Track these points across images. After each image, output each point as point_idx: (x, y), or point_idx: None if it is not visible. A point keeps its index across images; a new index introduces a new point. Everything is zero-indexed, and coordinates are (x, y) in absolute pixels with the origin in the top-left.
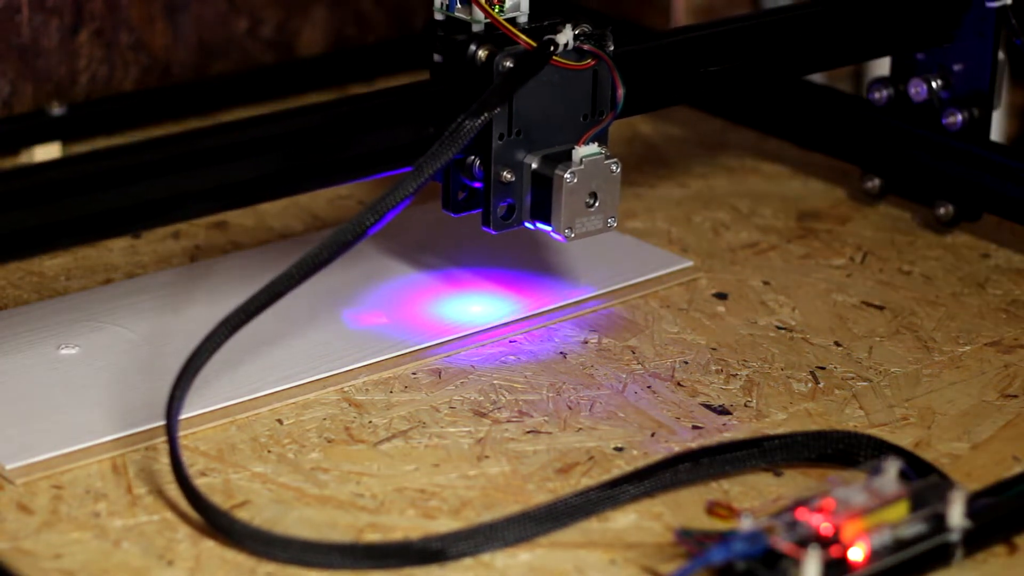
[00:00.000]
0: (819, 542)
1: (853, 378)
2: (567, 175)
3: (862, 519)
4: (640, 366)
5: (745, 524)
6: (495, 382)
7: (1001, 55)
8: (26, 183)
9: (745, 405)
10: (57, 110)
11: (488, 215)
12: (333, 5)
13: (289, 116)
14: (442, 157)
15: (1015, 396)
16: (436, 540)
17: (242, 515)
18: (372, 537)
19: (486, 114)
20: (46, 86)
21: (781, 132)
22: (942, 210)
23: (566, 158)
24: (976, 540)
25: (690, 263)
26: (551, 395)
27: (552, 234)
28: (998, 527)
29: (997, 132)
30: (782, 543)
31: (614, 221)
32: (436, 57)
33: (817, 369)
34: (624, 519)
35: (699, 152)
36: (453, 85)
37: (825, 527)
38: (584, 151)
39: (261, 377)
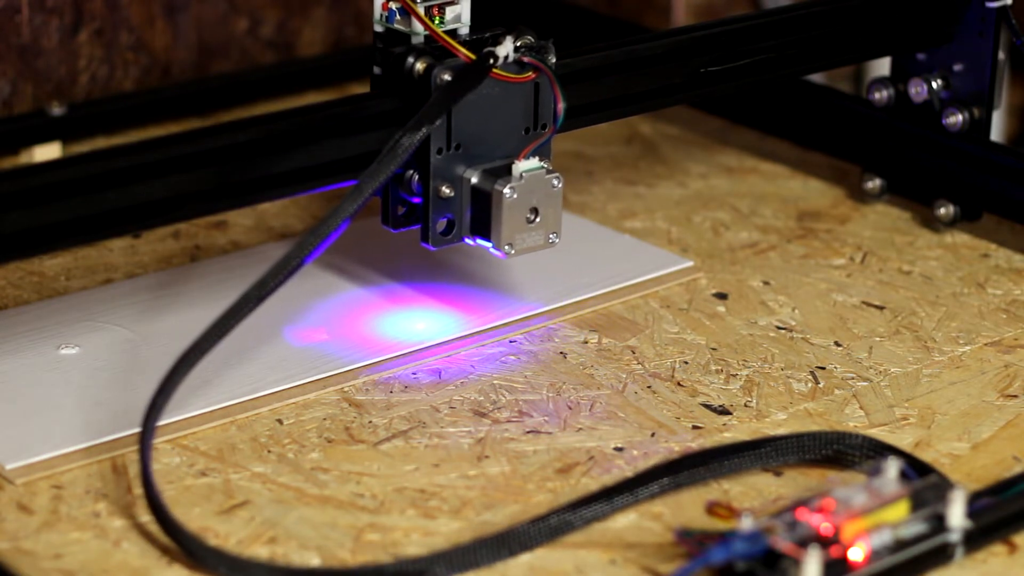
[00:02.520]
0: (819, 542)
1: (853, 378)
2: (506, 190)
3: (862, 519)
4: (640, 366)
5: (745, 524)
6: (495, 382)
7: (1001, 55)
8: (26, 183)
9: (745, 405)
10: (57, 110)
11: (427, 231)
12: (333, 5)
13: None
14: (381, 175)
15: (1015, 396)
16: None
17: (242, 515)
18: (372, 537)
19: (424, 129)
20: (46, 86)
21: (781, 132)
22: (942, 210)
23: (506, 173)
24: (976, 540)
25: (690, 263)
26: (551, 395)
27: (492, 250)
28: (998, 527)
29: (997, 132)
30: (782, 543)
31: (556, 237)
32: (376, 69)
33: (817, 369)
34: (624, 519)
35: (699, 152)
36: (393, 98)
37: (825, 527)
38: (524, 166)
39: (261, 377)
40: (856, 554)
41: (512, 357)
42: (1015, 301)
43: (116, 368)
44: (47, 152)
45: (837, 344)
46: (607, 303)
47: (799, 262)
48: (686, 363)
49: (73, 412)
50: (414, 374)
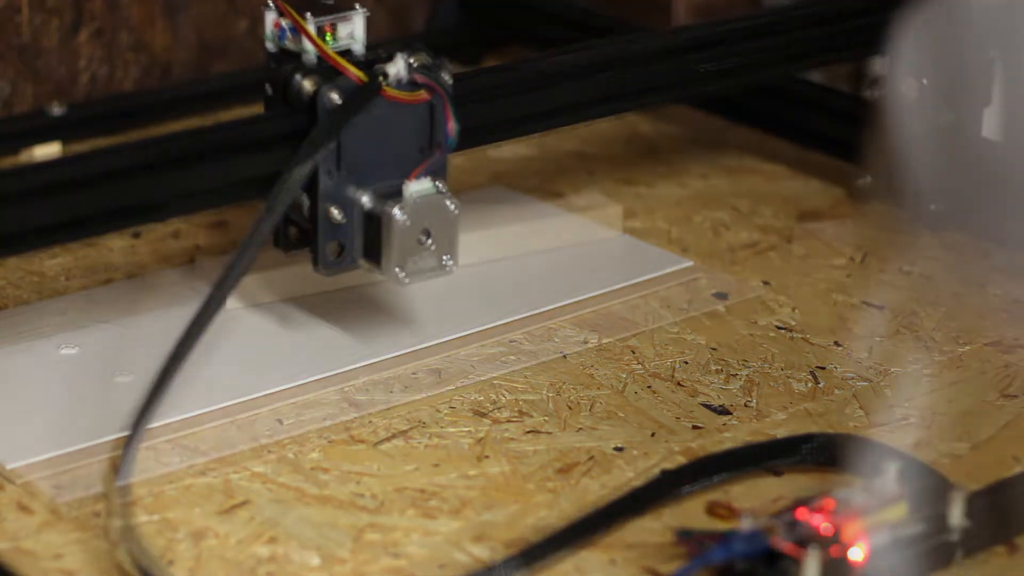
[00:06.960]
0: (819, 542)
1: (853, 378)
2: (396, 212)
3: (862, 519)
4: (640, 366)
5: (745, 524)
6: (495, 382)
7: None
8: (26, 183)
9: (745, 405)
10: (57, 110)
11: (317, 256)
12: None
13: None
14: (275, 213)
15: (1015, 396)
16: None
17: (242, 515)
18: (372, 537)
19: (316, 156)
20: (46, 86)
21: (781, 132)
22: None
23: (398, 195)
24: (976, 540)
25: (690, 263)
26: (551, 395)
27: (383, 275)
28: (998, 527)
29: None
30: (782, 543)
31: (450, 260)
32: (267, 89)
33: (817, 369)
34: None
35: (699, 152)
36: (283, 119)
37: (825, 527)
38: (416, 187)
39: (261, 377)
40: (856, 554)
41: (512, 357)
42: (1015, 301)
43: (116, 368)
44: (47, 152)
45: (837, 344)
46: (607, 303)
47: (799, 262)
48: (686, 363)
49: (73, 412)
50: (414, 374)
